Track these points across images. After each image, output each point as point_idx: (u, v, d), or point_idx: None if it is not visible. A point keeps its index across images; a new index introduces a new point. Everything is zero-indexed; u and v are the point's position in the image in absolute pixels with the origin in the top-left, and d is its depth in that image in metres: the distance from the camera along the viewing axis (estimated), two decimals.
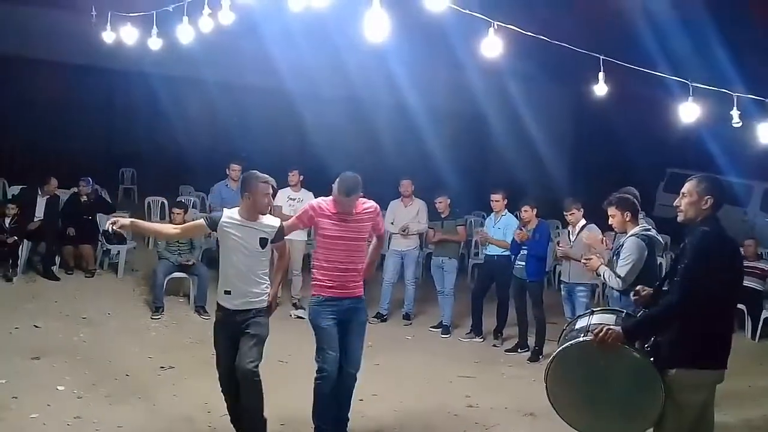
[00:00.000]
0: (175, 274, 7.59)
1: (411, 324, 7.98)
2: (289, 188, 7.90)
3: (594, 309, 3.79)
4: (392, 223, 7.77)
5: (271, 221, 4.16)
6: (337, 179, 4.21)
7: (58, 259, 8.17)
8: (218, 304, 4.18)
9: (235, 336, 4.07)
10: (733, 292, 3.29)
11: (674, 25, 8.75)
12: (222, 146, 12.83)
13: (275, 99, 13.40)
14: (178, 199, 9.03)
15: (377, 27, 3.69)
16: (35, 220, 8.18)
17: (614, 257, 4.89)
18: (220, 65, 12.26)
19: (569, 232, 6.52)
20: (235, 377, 4.05)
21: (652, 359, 3.17)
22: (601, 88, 4.49)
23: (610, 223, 5.05)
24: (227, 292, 4.09)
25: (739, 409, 5.31)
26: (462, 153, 14.30)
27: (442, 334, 7.62)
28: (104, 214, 8.32)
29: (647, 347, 3.25)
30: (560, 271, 6.94)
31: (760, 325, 7.84)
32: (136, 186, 13.01)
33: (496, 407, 5.38)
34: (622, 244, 4.82)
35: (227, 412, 4.27)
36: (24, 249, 7.96)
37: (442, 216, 7.70)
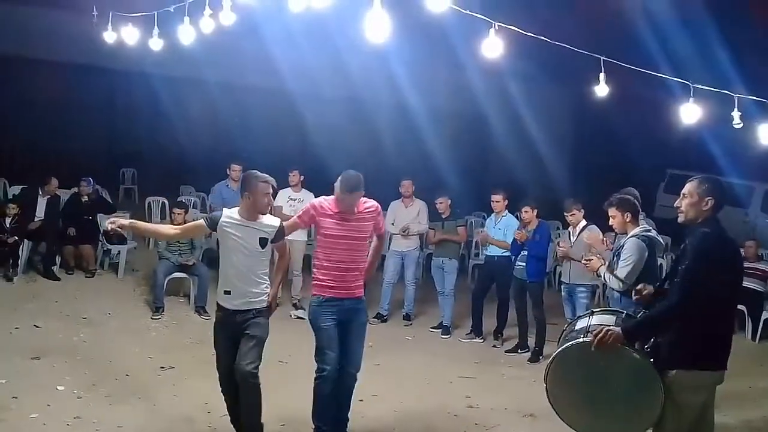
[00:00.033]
0: (175, 274, 7.59)
1: (411, 324, 7.98)
2: (289, 188, 7.91)
3: (594, 310, 3.80)
4: (393, 224, 7.76)
5: (271, 221, 4.15)
6: (340, 177, 4.20)
7: (58, 259, 8.18)
8: (218, 304, 4.17)
9: (235, 336, 4.07)
10: (734, 293, 3.29)
11: (675, 25, 8.76)
12: (223, 146, 12.83)
13: (276, 99, 13.40)
14: (178, 199, 9.03)
15: (378, 27, 3.69)
16: (36, 220, 8.19)
17: (615, 258, 4.89)
18: (221, 66, 12.26)
19: (570, 232, 6.52)
20: (234, 378, 4.04)
21: (651, 360, 3.17)
22: (602, 89, 4.49)
23: (610, 223, 5.05)
24: (227, 292, 4.09)
25: (740, 410, 5.31)
26: (463, 153, 14.30)
27: (442, 334, 7.62)
28: (105, 214, 8.32)
29: (647, 348, 3.26)
30: (561, 272, 6.93)
31: (760, 326, 7.83)
32: (137, 186, 13.03)
33: (497, 408, 5.38)
34: (623, 245, 4.82)
35: (227, 413, 4.26)
36: (24, 249, 7.97)
37: (443, 216, 7.70)
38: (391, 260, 7.93)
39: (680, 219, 3.27)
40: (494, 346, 7.37)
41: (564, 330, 3.74)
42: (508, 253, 7.15)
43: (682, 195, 3.26)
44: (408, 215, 7.89)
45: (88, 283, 8.10)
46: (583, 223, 6.34)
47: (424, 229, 7.97)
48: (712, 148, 10.69)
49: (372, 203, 4.36)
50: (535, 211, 6.94)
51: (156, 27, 6.06)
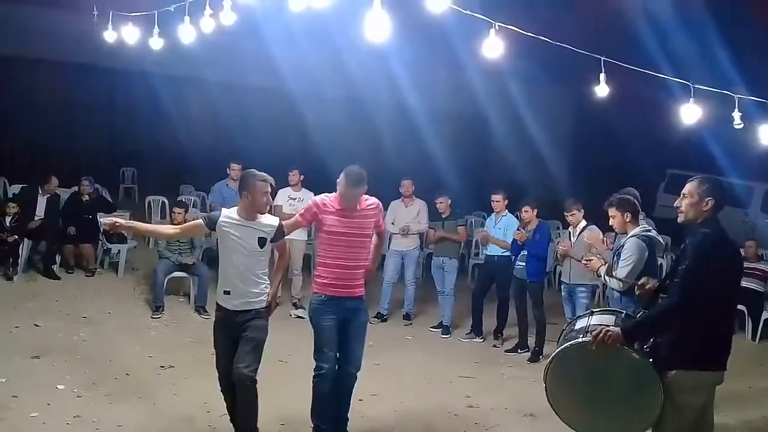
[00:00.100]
0: (175, 273, 7.59)
1: (411, 324, 7.98)
2: (289, 188, 7.92)
3: (594, 310, 3.80)
4: (393, 224, 7.76)
5: (270, 221, 4.13)
6: (343, 172, 4.18)
7: (58, 258, 8.17)
8: (218, 304, 4.17)
9: (235, 336, 4.06)
10: (734, 294, 3.29)
11: (675, 25, 8.76)
12: (223, 146, 12.82)
13: (276, 99, 13.41)
14: (178, 199, 9.02)
15: (378, 27, 3.69)
16: (36, 219, 8.19)
17: (615, 258, 4.89)
18: (222, 65, 12.27)
19: (570, 232, 6.52)
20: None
21: (651, 360, 3.17)
22: (602, 89, 4.50)
23: (610, 223, 5.05)
24: (227, 293, 4.08)
25: (739, 410, 5.31)
26: (463, 153, 14.30)
27: (442, 334, 7.62)
28: (105, 213, 8.31)
29: (646, 348, 3.26)
30: (561, 272, 6.94)
31: (760, 327, 7.83)
32: (137, 185, 13.02)
33: (497, 407, 5.38)
34: (623, 245, 4.83)
35: (227, 412, 4.26)
36: (24, 248, 7.97)
37: (443, 216, 7.70)
38: (391, 260, 7.93)
39: (680, 219, 3.28)
40: (494, 345, 7.37)
41: (563, 330, 3.74)
42: (508, 253, 7.15)
43: (682, 195, 3.26)
44: (408, 215, 7.89)
45: (88, 282, 8.10)
46: (584, 223, 6.34)
47: (424, 228, 7.97)
48: (712, 148, 10.70)
49: (373, 200, 4.36)
50: (535, 211, 6.94)
51: (156, 26, 6.06)
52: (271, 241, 4.10)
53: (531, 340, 6.96)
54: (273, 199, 4.96)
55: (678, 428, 3.14)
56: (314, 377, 4.24)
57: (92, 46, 7.45)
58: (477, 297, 7.59)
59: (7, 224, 7.79)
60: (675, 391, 3.10)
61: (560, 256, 6.50)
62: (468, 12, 3.89)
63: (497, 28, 3.95)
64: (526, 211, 6.95)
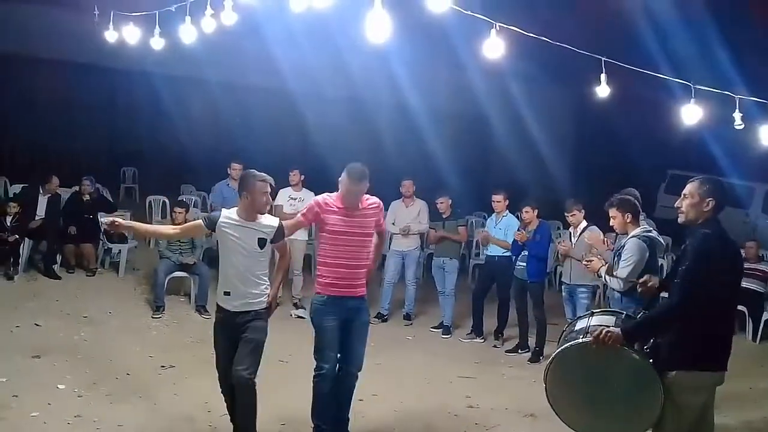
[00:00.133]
0: (176, 273, 7.60)
1: (411, 324, 7.99)
2: (290, 188, 7.92)
3: (594, 310, 3.81)
4: (393, 224, 7.77)
5: (269, 221, 4.12)
6: (346, 169, 4.17)
7: (59, 258, 8.18)
8: (218, 305, 4.16)
9: (235, 338, 4.05)
10: (734, 294, 3.29)
11: (676, 26, 8.76)
12: (224, 146, 12.82)
13: (277, 99, 13.41)
14: (179, 198, 9.02)
15: (379, 28, 3.70)
16: (36, 218, 8.19)
17: (615, 258, 4.89)
18: (223, 65, 12.27)
19: (570, 233, 6.52)
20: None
21: (651, 360, 3.17)
22: (603, 90, 4.50)
23: (611, 224, 5.05)
24: (226, 293, 4.07)
25: (740, 410, 5.31)
26: (463, 153, 14.30)
27: (442, 334, 7.62)
28: (106, 213, 8.32)
29: (647, 349, 3.26)
30: (561, 272, 6.94)
31: (761, 327, 7.83)
32: (138, 185, 13.03)
33: (497, 408, 5.38)
34: (623, 246, 4.83)
35: (227, 412, 4.26)
36: (25, 247, 7.97)
37: (444, 216, 7.70)
38: (391, 260, 7.94)
39: (680, 219, 3.28)
40: (494, 346, 7.37)
41: (564, 330, 3.74)
42: (508, 253, 7.16)
43: (683, 195, 3.26)
44: (409, 215, 7.89)
45: (89, 281, 8.10)
46: (584, 223, 6.34)
47: (424, 228, 7.97)
48: (713, 148, 10.70)
49: (374, 199, 4.36)
50: (536, 212, 6.94)
51: (157, 26, 6.06)
52: (271, 242, 4.09)
53: (531, 341, 6.96)
54: (273, 199, 4.95)
55: (678, 429, 3.14)
56: (315, 377, 4.24)
57: (93, 45, 7.45)
58: (477, 297, 7.59)
59: (8, 224, 7.80)
60: (675, 392, 3.10)
61: (561, 256, 6.51)
62: (469, 12, 3.89)
63: (498, 28, 3.95)
64: (526, 212, 6.95)
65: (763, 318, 7.81)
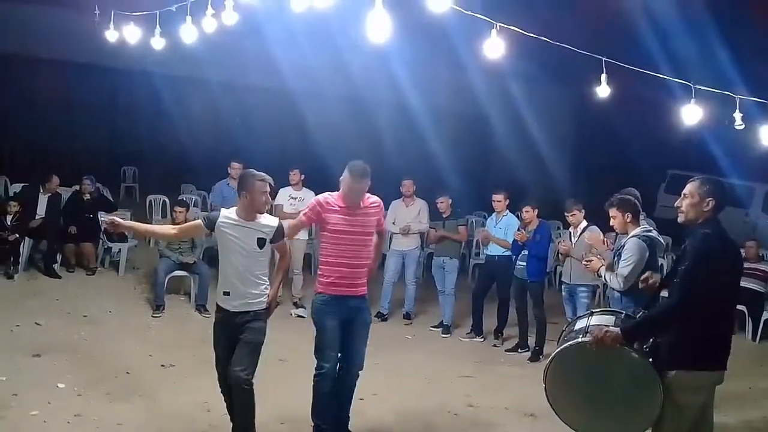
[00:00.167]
0: (176, 272, 7.60)
1: (411, 323, 7.99)
2: (290, 187, 7.93)
3: (594, 310, 3.80)
4: (393, 223, 7.78)
5: (269, 221, 4.11)
6: (348, 167, 4.17)
7: (59, 257, 8.18)
8: (217, 305, 4.16)
9: (234, 338, 4.04)
10: (734, 294, 3.29)
11: (676, 26, 8.75)
12: (224, 146, 12.83)
13: (278, 99, 13.42)
14: (179, 198, 9.02)
15: (379, 27, 3.70)
16: (37, 217, 8.20)
17: (615, 258, 4.89)
18: (223, 65, 12.27)
19: (570, 233, 6.52)
20: None
21: (651, 360, 3.18)
22: (603, 90, 4.50)
23: (611, 224, 5.05)
24: (226, 293, 4.06)
25: (740, 410, 5.32)
26: (463, 153, 14.30)
27: (442, 333, 7.63)
28: (106, 212, 8.33)
29: (646, 348, 3.26)
30: (561, 272, 6.94)
31: (760, 327, 7.83)
32: (138, 184, 13.03)
33: (497, 407, 5.38)
34: (624, 245, 4.83)
35: (227, 412, 4.26)
36: (25, 246, 7.98)
37: (444, 216, 7.71)
38: (392, 259, 7.94)
39: (680, 219, 3.28)
40: (494, 345, 7.38)
41: (563, 330, 3.74)
42: (508, 253, 7.16)
43: (683, 195, 3.27)
44: (409, 214, 7.90)
45: (89, 281, 8.10)
46: (584, 223, 6.34)
47: (424, 228, 7.98)
48: (713, 148, 10.70)
49: (375, 198, 4.36)
50: (536, 211, 6.95)
51: (158, 26, 6.07)
52: (271, 242, 4.08)
53: (531, 340, 6.97)
54: (272, 198, 4.95)
55: (678, 428, 3.14)
56: (315, 376, 4.24)
57: (94, 45, 7.45)
58: (477, 297, 7.59)
59: (9, 223, 7.80)
60: (675, 391, 3.10)
61: (561, 256, 6.51)
62: (469, 12, 3.90)
63: (498, 28, 3.95)
64: (526, 211, 6.95)
65: (763, 318, 7.81)
